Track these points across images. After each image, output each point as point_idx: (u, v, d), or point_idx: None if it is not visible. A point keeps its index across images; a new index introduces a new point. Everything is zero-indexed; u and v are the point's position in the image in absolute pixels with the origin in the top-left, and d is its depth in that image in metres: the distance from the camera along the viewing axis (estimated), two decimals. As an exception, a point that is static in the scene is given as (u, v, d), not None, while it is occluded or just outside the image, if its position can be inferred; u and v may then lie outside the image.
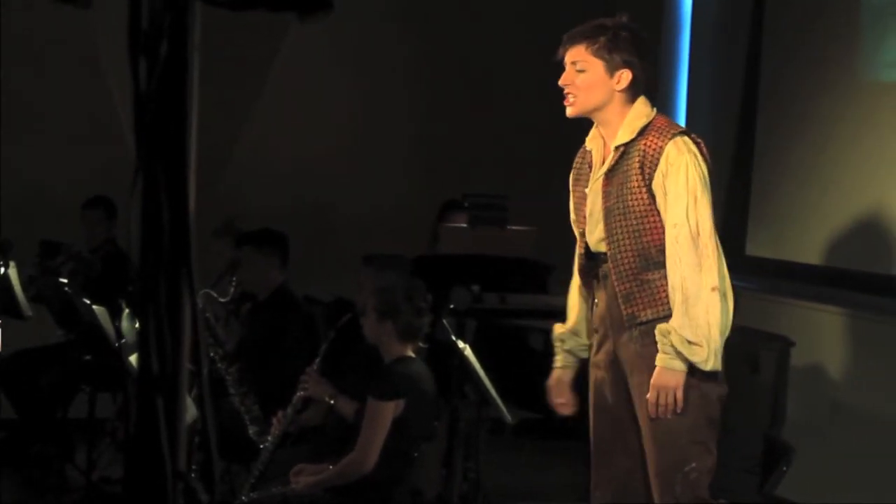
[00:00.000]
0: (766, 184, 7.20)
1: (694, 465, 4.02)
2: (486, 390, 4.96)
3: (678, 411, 3.95)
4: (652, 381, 3.96)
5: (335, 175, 8.71)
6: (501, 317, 6.49)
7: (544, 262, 6.51)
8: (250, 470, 5.55)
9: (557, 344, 4.41)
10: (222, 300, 6.20)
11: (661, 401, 3.95)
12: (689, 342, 3.90)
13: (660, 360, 3.95)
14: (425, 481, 5.76)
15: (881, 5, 6.62)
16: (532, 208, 7.07)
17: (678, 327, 3.91)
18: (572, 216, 4.30)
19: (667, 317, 3.98)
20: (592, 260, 4.20)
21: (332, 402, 5.22)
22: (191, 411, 1.85)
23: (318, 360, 5.32)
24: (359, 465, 4.91)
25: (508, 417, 4.95)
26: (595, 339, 4.24)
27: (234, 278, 6.25)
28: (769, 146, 7.28)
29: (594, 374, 4.24)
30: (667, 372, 3.94)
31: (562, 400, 4.38)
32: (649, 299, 4.02)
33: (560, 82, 4.20)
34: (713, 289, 3.92)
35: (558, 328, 4.42)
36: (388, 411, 4.90)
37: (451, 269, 6.24)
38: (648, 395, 3.97)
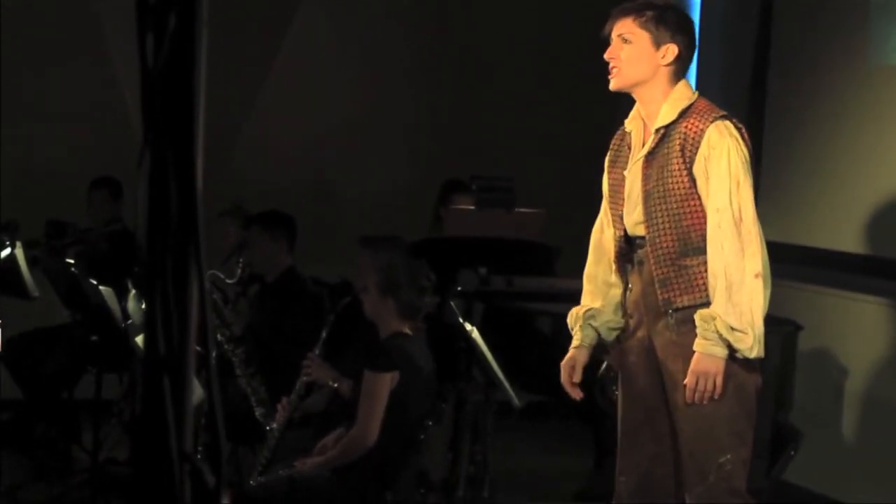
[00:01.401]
0: (776, 168, 7.18)
1: (729, 456, 3.98)
2: (494, 373, 4.96)
3: (716, 398, 3.91)
4: (691, 366, 3.91)
5: (341, 158, 8.72)
6: (509, 299, 6.49)
7: (552, 244, 6.50)
8: (256, 453, 5.57)
9: (581, 321, 4.27)
10: (230, 281, 6.21)
11: (700, 387, 3.90)
12: (734, 329, 3.86)
13: (700, 345, 3.90)
14: (432, 464, 5.78)
15: None
16: (538, 190, 7.07)
17: (722, 314, 3.86)
18: (607, 199, 4.24)
19: (703, 304, 3.94)
20: (629, 244, 4.14)
21: (335, 385, 5.23)
22: (197, 392, 1.84)
23: (319, 344, 5.33)
24: (361, 439, 4.93)
25: (516, 400, 4.93)
26: (628, 324, 4.19)
27: (242, 260, 6.26)
28: (778, 131, 7.26)
29: (625, 360, 4.20)
30: (707, 358, 3.90)
31: (576, 380, 4.28)
32: (686, 285, 3.98)
33: (605, 56, 4.15)
34: (756, 275, 3.88)
35: (585, 305, 4.29)
36: (384, 383, 4.92)
37: (459, 252, 6.23)
38: (687, 381, 3.92)
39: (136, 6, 1.61)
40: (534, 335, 6.85)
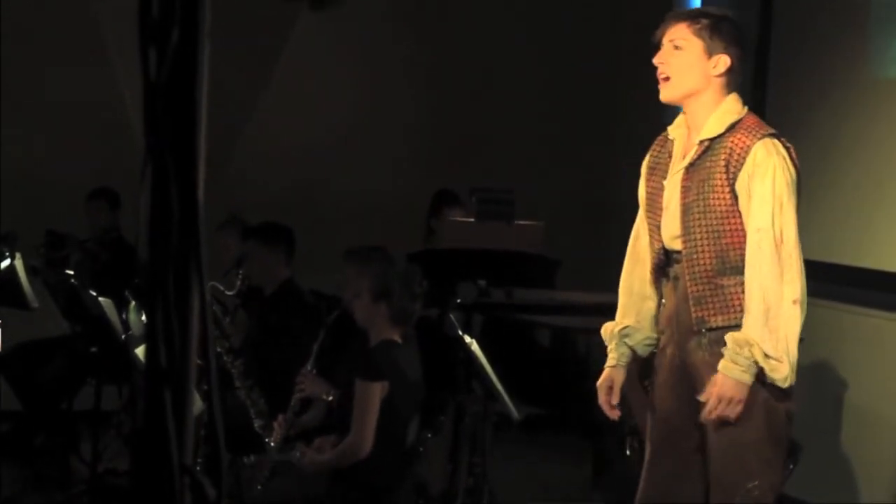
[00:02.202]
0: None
1: (757, 482, 3.88)
2: (493, 385, 4.96)
3: (735, 423, 3.81)
4: (715, 388, 3.79)
5: (339, 168, 8.74)
6: (508, 312, 6.51)
7: (551, 257, 6.53)
8: (254, 466, 5.58)
9: (616, 339, 4.17)
10: (229, 293, 6.22)
11: (720, 410, 3.79)
12: (769, 357, 3.75)
13: (727, 369, 3.78)
14: (432, 476, 5.79)
15: (891, 2, 6.61)
16: (537, 202, 7.09)
17: (759, 340, 3.75)
18: (644, 207, 4.12)
19: (738, 325, 3.82)
20: (666, 256, 4.03)
21: (329, 398, 5.25)
22: (197, 404, 1.84)
23: (311, 359, 5.34)
24: (356, 447, 4.96)
25: (515, 413, 4.92)
26: (659, 339, 4.10)
27: (241, 272, 6.27)
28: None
29: (657, 377, 4.10)
30: (732, 382, 3.77)
31: (615, 402, 4.12)
32: (721, 305, 3.87)
33: (655, 60, 4.01)
34: (794, 301, 3.77)
35: (620, 322, 4.18)
36: (375, 391, 4.95)
37: (458, 264, 6.26)
38: (704, 398, 3.83)
39: (139, 20, 1.61)
40: (533, 347, 6.89)
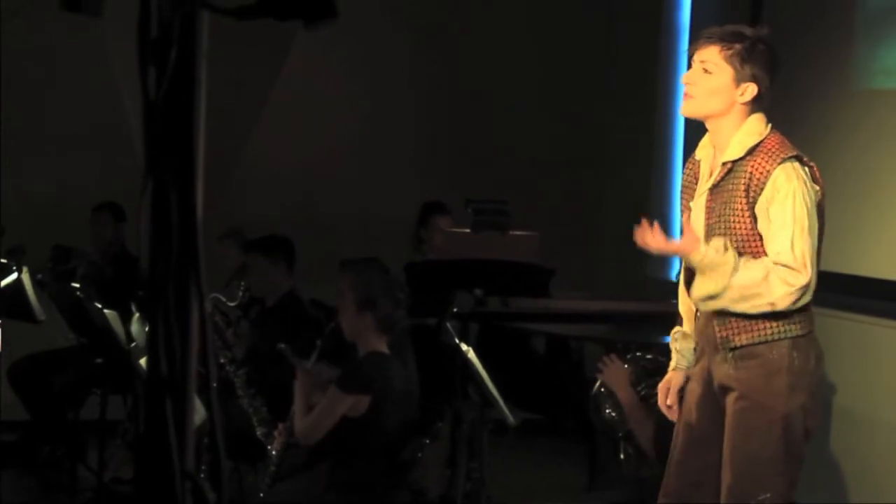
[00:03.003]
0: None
1: (769, 494, 3.91)
2: (489, 392, 5.00)
3: (752, 438, 3.89)
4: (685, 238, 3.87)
5: (338, 181, 8.78)
6: (504, 320, 6.56)
7: (546, 266, 6.57)
8: (257, 471, 5.65)
9: (672, 343, 4.25)
10: (231, 304, 6.27)
11: (662, 244, 3.87)
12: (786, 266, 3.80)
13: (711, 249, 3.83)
14: (430, 481, 5.86)
15: (875, 14, 6.64)
16: (532, 213, 7.15)
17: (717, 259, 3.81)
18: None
19: (762, 342, 3.89)
20: (692, 276, 4.00)
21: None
22: (201, 413, 1.92)
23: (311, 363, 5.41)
24: (300, 432, 5.10)
25: (511, 419, 4.96)
26: (696, 352, 4.15)
27: (243, 283, 6.33)
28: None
29: (689, 386, 4.14)
30: (700, 252, 3.83)
31: (669, 402, 4.21)
32: (745, 325, 3.91)
33: (683, 79, 4.00)
34: (771, 305, 3.83)
35: (677, 328, 4.24)
36: (345, 403, 5.01)
37: (455, 274, 6.30)
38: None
39: (138, 40, 1.65)
40: (528, 355, 6.94)
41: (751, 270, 3.83)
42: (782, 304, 3.84)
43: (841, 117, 6.73)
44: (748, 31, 4.01)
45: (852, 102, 6.70)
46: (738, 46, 3.93)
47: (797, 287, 3.84)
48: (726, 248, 3.83)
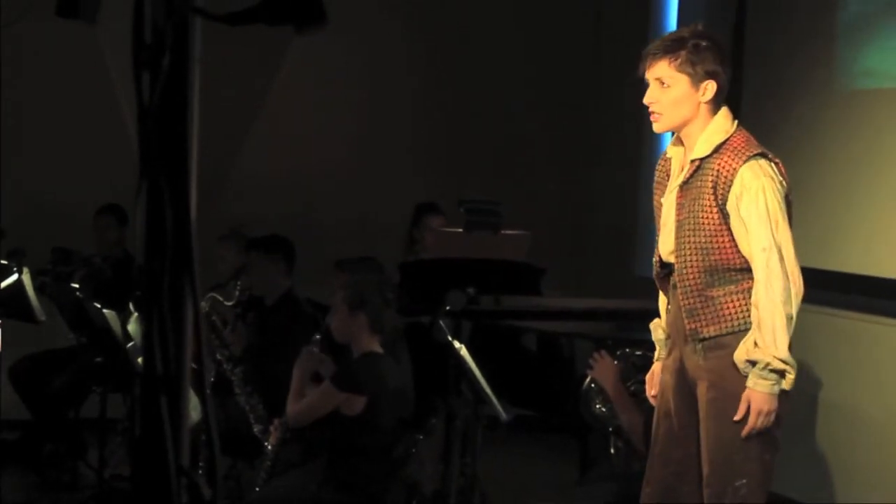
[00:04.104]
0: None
1: (745, 480, 3.98)
2: (482, 389, 5.03)
3: (726, 424, 3.97)
4: (752, 405, 3.92)
5: (336, 182, 8.84)
6: (496, 318, 6.61)
7: (537, 265, 6.63)
8: (254, 468, 5.72)
9: (654, 335, 4.34)
10: (228, 304, 6.32)
11: (760, 424, 3.93)
12: (785, 363, 3.91)
13: (758, 385, 3.91)
14: (424, 477, 5.93)
15: (857, 16, 6.69)
16: (523, 213, 7.22)
17: (778, 354, 3.90)
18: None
19: (730, 333, 3.97)
20: (665, 269, 4.14)
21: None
22: (198, 410, 1.95)
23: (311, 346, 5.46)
24: (290, 413, 5.20)
25: (503, 415, 4.99)
26: (669, 343, 4.23)
27: (240, 283, 6.36)
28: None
29: (662, 377, 4.23)
30: (765, 396, 3.91)
31: (653, 392, 4.31)
32: (713, 316, 3.99)
33: (645, 100, 4.08)
34: (791, 318, 3.94)
35: (655, 319, 4.33)
36: (336, 399, 5.07)
37: (448, 273, 6.36)
38: (738, 416, 3.95)
39: (132, 45, 1.66)
40: (520, 352, 6.99)
41: (762, 323, 3.93)
42: (792, 308, 3.96)
43: (824, 118, 6.77)
44: (686, 32, 4.08)
45: (835, 103, 6.74)
46: (683, 53, 4.00)
47: (791, 283, 3.95)
48: (763, 364, 3.92)
